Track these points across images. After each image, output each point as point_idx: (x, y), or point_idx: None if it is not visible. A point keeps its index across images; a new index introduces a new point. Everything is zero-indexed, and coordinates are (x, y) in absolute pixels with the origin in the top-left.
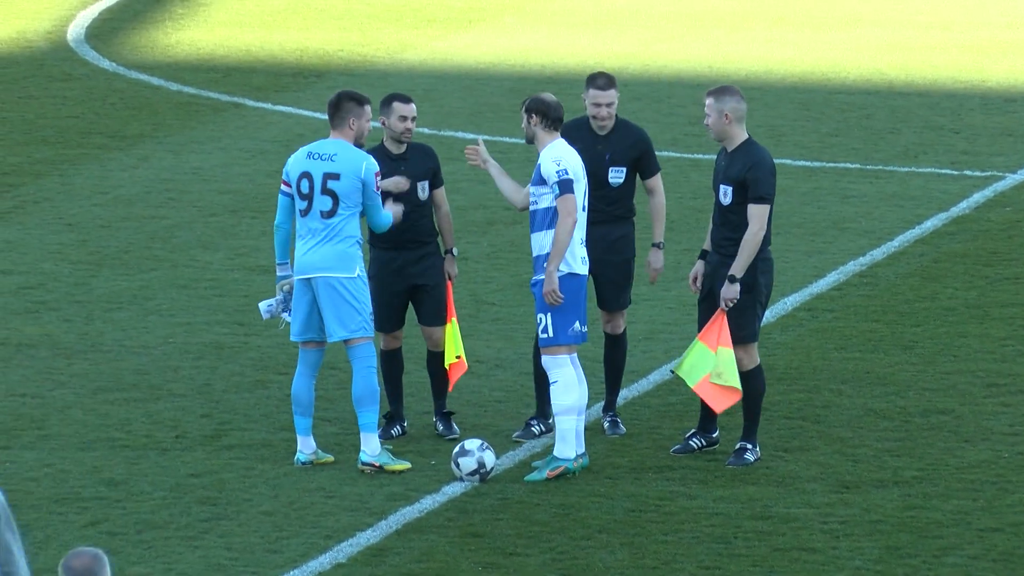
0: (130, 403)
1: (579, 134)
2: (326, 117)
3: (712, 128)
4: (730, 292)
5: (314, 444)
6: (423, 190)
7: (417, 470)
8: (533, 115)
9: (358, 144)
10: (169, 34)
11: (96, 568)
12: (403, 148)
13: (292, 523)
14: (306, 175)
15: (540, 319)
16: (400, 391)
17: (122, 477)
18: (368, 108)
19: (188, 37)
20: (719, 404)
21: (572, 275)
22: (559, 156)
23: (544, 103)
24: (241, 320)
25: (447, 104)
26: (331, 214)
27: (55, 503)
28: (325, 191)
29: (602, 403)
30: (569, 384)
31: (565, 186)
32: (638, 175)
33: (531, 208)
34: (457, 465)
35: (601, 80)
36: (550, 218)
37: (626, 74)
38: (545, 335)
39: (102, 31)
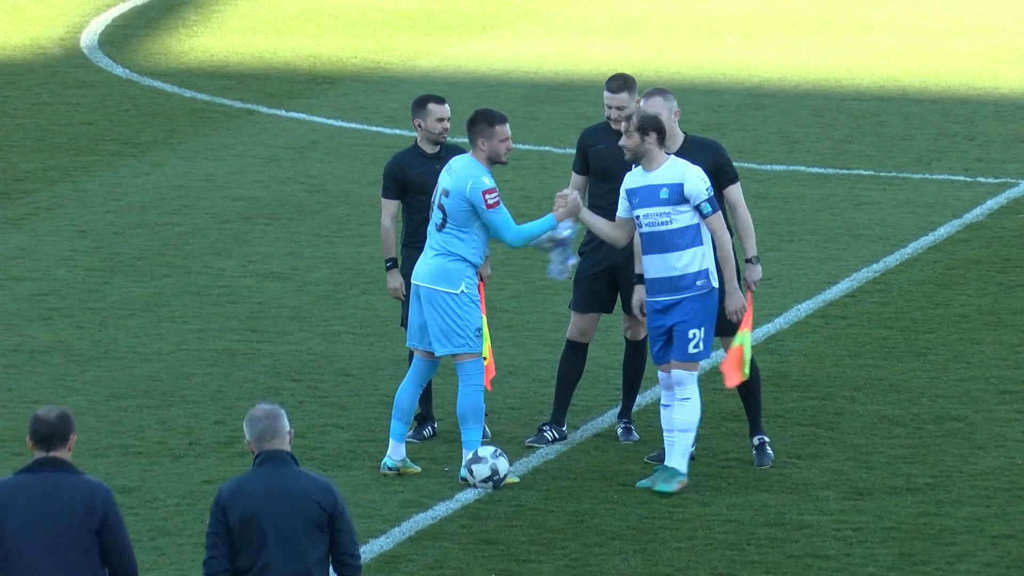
0: (143, 410)
1: (604, 135)
2: (337, 123)
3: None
4: (756, 273)
5: (404, 452)
6: None
7: (430, 477)
8: (651, 132)
9: (494, 163)
10: (182, 41)
11: (275, 412)
12: (437, 148)
13: None
14: (438, 185)
15: (693, 335)
16: (430, 392)
17: (135, 484)
18: (499, 128)
19: (201, 44)
20: (732, 379)
21: (715, 290)
22: (700, 172)
23: (660, 122)
24: (254, 327)
25: (460, 111)
26: (440, 228)
27: None
28: (439, 205)
29: (616, 409)
30: (698, 403)
31: (715, 203)
32: None
33: (659, 229)
34: (470, 472)
35: (613, 83)
36: (691, 236)
37: (639, 80)
38: (696, 350)
39: (115, 38)
